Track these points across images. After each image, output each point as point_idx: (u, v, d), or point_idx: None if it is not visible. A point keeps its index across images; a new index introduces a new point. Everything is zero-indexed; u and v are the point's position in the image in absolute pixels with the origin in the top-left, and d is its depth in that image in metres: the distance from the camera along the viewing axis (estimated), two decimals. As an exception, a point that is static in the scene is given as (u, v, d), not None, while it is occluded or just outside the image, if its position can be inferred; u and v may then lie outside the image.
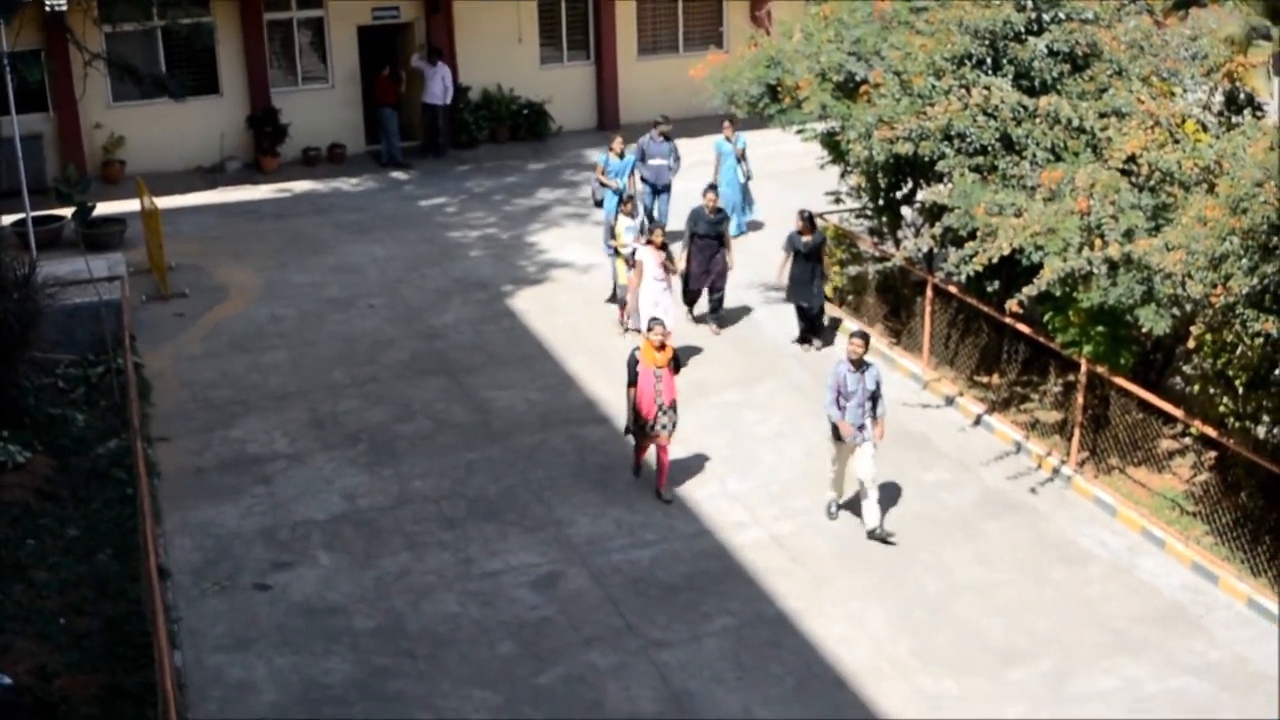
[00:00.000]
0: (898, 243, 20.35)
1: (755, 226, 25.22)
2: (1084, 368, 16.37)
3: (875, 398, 15.28)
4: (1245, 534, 14.99)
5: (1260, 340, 13.15)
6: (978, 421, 18.16)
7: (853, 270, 21.30)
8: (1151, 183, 15.90)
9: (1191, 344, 14.95)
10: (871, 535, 15.41)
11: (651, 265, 19.29)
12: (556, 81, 31.65)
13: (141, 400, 17.98)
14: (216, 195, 27.61)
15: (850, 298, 21.35)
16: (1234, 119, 17.52)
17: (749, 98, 20.12)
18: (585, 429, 18.00)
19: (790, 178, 26.45)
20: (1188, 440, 16.85)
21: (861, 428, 15.24)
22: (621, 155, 23.04)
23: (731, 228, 22.74)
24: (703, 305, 21.24)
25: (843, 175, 20.77)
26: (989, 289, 17.82)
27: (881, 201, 20.07)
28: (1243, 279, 13.20)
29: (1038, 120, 17.04)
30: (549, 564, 15.10)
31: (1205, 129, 16.74)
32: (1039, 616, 14.27)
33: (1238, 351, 13.93)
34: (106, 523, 15.69)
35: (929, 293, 19.15)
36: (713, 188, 21.20)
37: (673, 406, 16.11)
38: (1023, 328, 17.43)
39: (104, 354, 19.26)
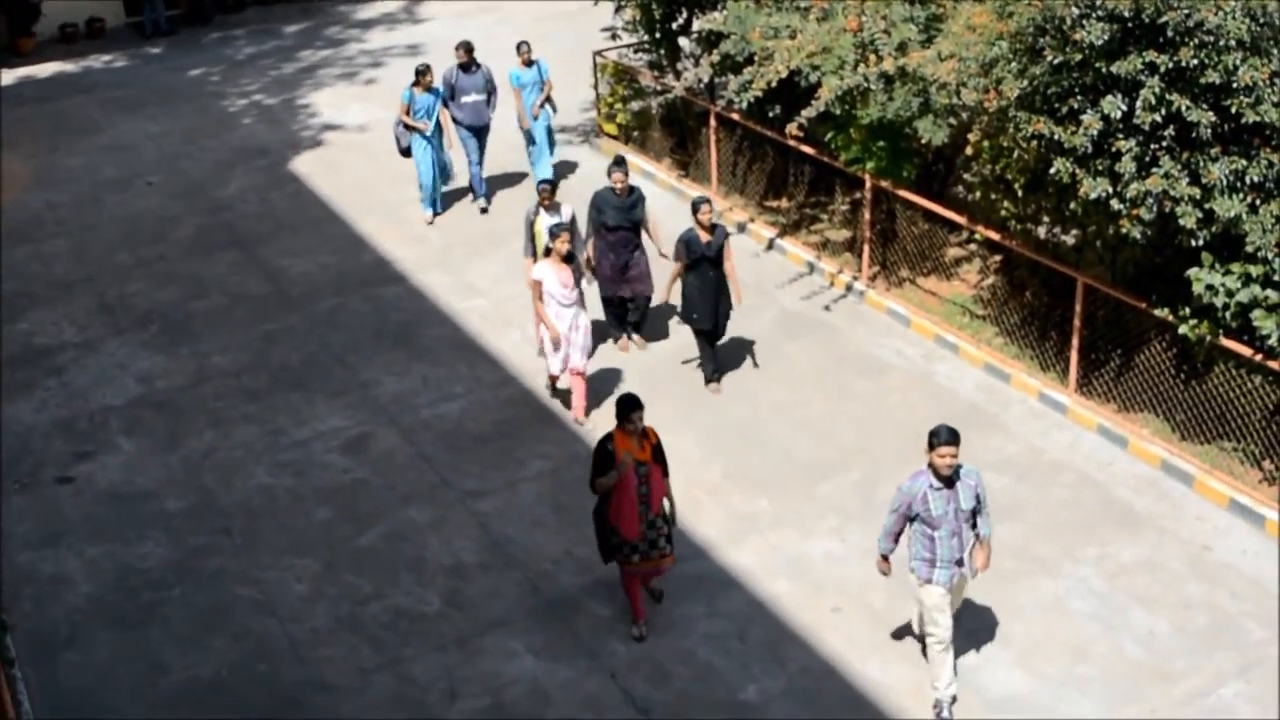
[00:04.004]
0: (678, 74, 20.31)
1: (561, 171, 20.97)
2: (868, 184, 16.62)
3: (975, 513, 10.81)
4: (1033, 332, 15.50)
5: (1034, 142, 13.46)
6: (770, 246, 18.39)
7: (636, 105, 21.23)
8: (921, -5, 16.08)
9: (970, 151, 15.25)
10: (937, 709, 11.11)
11: (554, 284, 14.33)
12: (320, -65, 30.71)
13: (-84, 301, 17.33)
14: (-28, 82, 26.42)
15: (636, 134, 21.31)
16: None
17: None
18: (382, 289, 17.81)
19: (566, 19, 26.18)
20: (973, 246, 17.30)
21: (959, 561, 10.75)
22: (430, 89, 19.06)
23: (538, 173, 19.87)
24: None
25: (617, 10, 20.63)
26: (771, 114, 17.95)
27: (658, 34, 19.98)
28: (1013, 82, 13.46)
29: (805, -60, 17.05)
30: (358, 426, 15.00)
31: (969, -63, 16.91)
32: (844, 429, 14.65)
33: (1014, 155, 14.25)
34: (-107, 431, 15.18)
35: (712, 122, 19.21)
36: (619, 163, 15.80)
37: (663, 517, 11.74)
38: (807, 149, 17.61)
39: None
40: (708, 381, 15.48)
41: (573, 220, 15.42)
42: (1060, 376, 14.98)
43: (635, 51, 21.43)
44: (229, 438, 14.91)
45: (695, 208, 14.79)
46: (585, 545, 12.99)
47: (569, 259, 14.30)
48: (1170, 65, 12.22)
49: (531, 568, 12.83)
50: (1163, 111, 12.31)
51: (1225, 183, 12.29)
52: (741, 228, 18.80)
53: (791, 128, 15.54)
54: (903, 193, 16.45)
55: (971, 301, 16.50)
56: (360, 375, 15.92)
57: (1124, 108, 12.47)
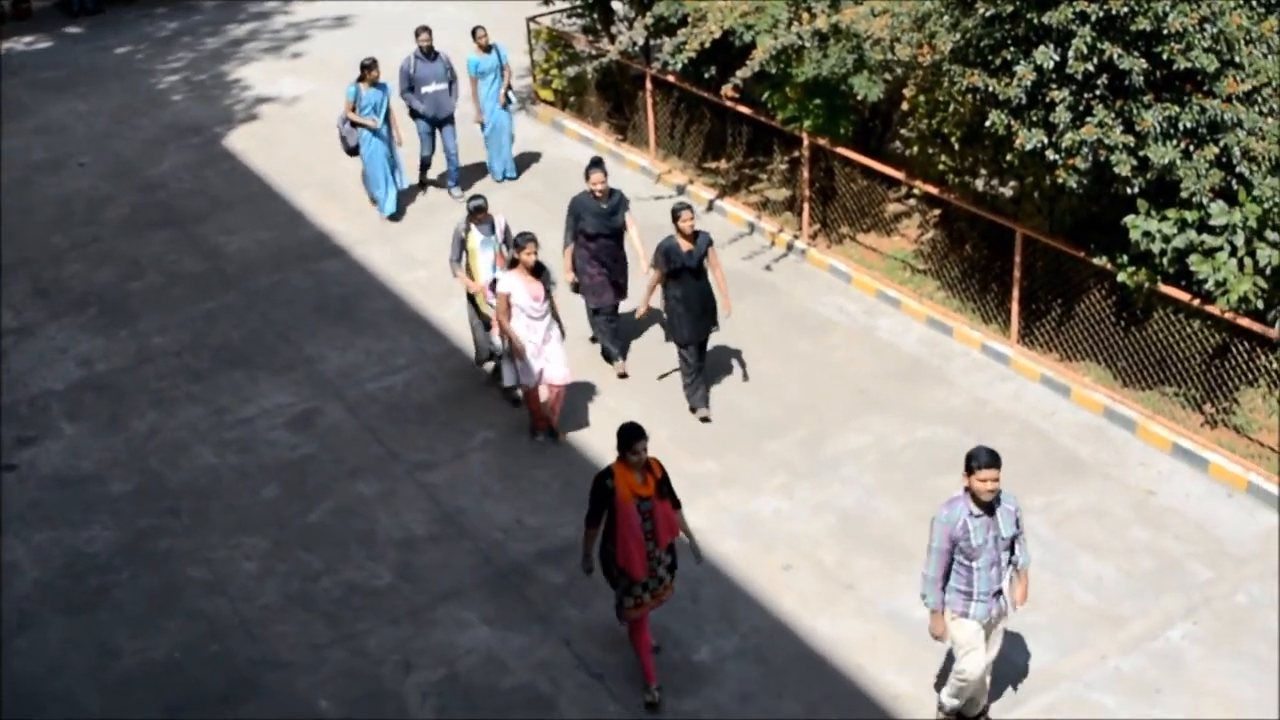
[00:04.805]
0: (612, 38, 20.23)
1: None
2: (806, 142, 16.63)
3: (1014, 540, 9.85)
4: (974, 284, 15.59)
5: (969, 95, 13.49)
6: (710, 207, 18.39)
7: (571, 71, 21.11)
8: (852, -50, 16.06)
9: (906, 107, 15.31)
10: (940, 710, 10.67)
11: (523, 296, 13.29)
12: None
13: None
14: (-104, 66, 25.98)
15: (572, 99, 21.23)
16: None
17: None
18: (322, 263, 17.69)
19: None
20: (912, 201, 17.37)
21: (998, 594, 9.88)
22: (377, 84, 17.79)
23: (497, 171, 19.40)
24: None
25: (549, -25, 20.54)
26: (706, 75, 17.92)
27: (591, -2, 19.93)
28: (946, 36, 13.49)
29: (735, -101, 17.00)
30: (303, 402, 14.92)
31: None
32: (789, 387, 14.70)
33: (950, 109, 14.31)
34: None
35: (648, 85, 19.17)
36: (597, 164, 14.71)
37: (670, 550, 10.81)
38: (744, 110, 17.60)
39: None
40: (693, 409, 14.32)
41: (506, 231, 14.28)
42: (1002, 328, 15.08)
43: (569, 16, 21.34)
44: (173, 418, 14.79)
45: (675, 215, 13.62)
46: (535, 513, 13.02)
47: (537, 270, 13.33)
48: (1101, 14, 12.27)
49: (482, 538, 12.82)
50: (1095, 60, 12.37)
51: (1159, 129, 12.38)
52: (681, 189, 18.79)
53: (726, 90, 15.54)
54: (840, 150, 16.48)
55: (912, 256, 16.57)
56: (303, 351, 15.82)
57: (1056, 58, 12.52)
